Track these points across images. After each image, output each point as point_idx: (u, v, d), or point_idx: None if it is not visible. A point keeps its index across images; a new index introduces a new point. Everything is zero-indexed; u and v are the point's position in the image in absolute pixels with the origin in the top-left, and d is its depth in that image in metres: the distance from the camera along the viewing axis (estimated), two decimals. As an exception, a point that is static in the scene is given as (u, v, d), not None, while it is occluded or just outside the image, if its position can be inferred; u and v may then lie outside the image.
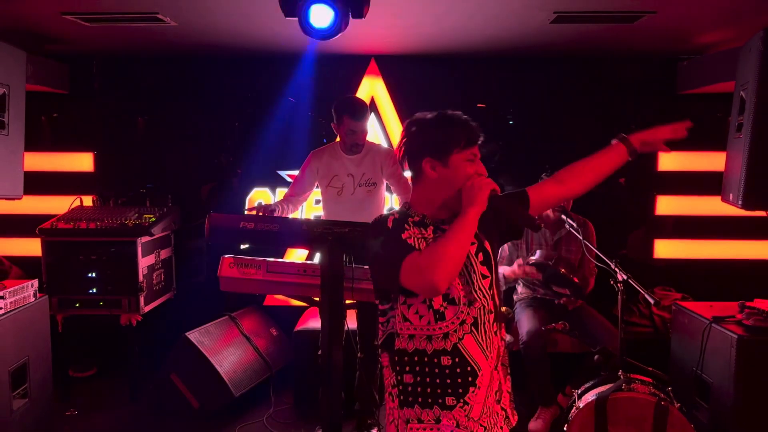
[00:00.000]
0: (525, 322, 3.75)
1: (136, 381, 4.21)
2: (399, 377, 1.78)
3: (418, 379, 1.75)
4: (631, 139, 2.01)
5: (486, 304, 1.78)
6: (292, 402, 4.15)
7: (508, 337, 3.78)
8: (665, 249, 4.79)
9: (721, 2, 3.30)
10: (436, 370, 1.74)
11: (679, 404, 2.86)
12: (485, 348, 1.76)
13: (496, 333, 1.81)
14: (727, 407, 3.01)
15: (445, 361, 1.73)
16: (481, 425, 1.75)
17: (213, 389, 3.84)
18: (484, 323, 1.77)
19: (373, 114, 4.75)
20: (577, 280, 3.57)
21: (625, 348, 3.10)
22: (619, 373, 2.98)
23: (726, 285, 4.45)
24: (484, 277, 1.80)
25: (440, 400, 1.73)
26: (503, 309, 3.14)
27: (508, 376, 1.89)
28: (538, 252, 3.68)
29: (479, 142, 1.81)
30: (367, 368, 3.62)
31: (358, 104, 3.57)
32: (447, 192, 1.80)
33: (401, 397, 1.78)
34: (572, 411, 2.99)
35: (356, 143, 3.56)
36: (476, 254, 1.81)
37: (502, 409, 1.83)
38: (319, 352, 3.25)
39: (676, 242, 4.78)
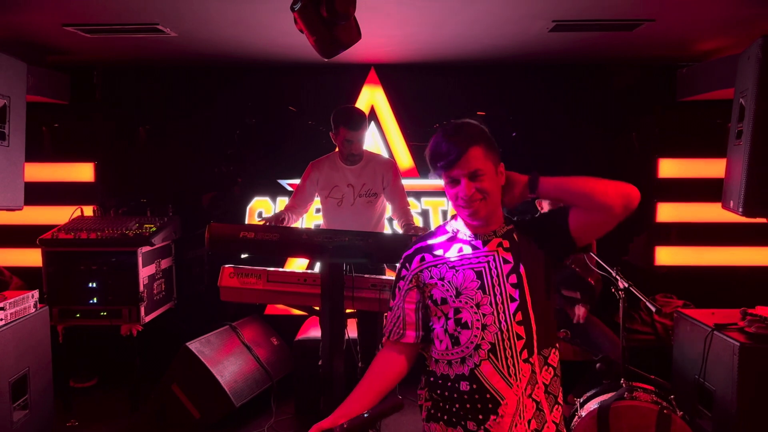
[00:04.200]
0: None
1: (137, 391, 4.20)
2: (429, 393, 1.80)
3: (442, 402, 1.76)
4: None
5: (507, 329, 1.69)
6: (294, 412, 4.13)
7: None
8: (666, 256, 4.78)
9: (719, 10, 3.32)
10: (455, 395, 1.72)
11: (681, 412, 2.84)
12: (508, 375, 1.68)
13: (526, 360, 1.69)
14: (730, 415, 2.99)
15: (464, 386, 1.70)
16: None
17: (214, 399, 3.82)
18: (506, 349, 1.68)
19: (373, 123, 4.76)
20: (592, 281, 3.55)
21: (627, 356, 3.10)
22: (622, 381, 2.97)
23: (728, 292, 4.45)
24: (512, 300, 1.71)
25: (463, 422, 1.71)
26: (561, 332, 3.12)
27: (558, 406, 1.78)
28: None
29: (455, 164, 1.68)
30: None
31: (355, 114, 3.55)
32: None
33: (431, 411, 1.80)
34: (575, 420, 2.98)
35: (352, 153, 3.56)
36: (508, 275, 1.73)
37: None
38: (320, 362, 3.24)
39: (677, 249, 4.77)
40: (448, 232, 1.84)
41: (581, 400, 3.07)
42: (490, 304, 1.70)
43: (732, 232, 4.56)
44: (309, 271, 3.59)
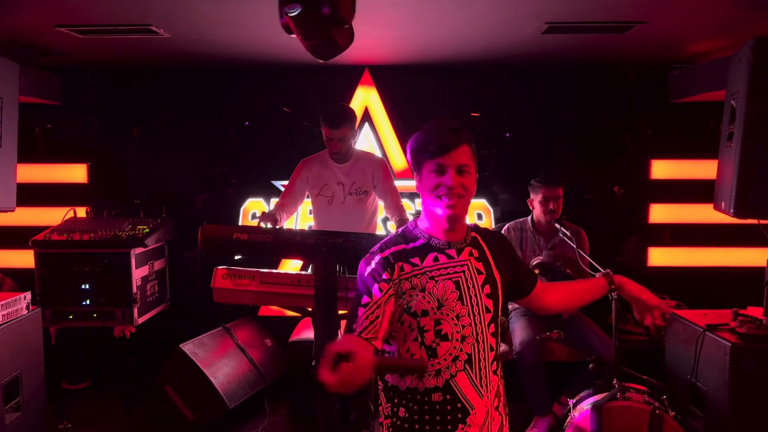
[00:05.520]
0: (519, 332, 3.75)
1: (131, 393, 4.18)
2: (393, 409, 1.76)
3: (408, 415, 1.73)
4: (615, 278, 2.03)
5: (483, 341, 1.71)
6: (287, 413, 4.13)
7: (503, 347, 3.78)
8: (659, 257, 4.80)
9: (711, 13, 3.33)
10: (426, 407, 1.71)
11: (674, 412, 2.86)
12: (480, 386, 1.70)
13: (495, 372, 1.74)
14: (722, 415, 3.01)
15: (436, 397, 1.70)
16: None
17: (207, 401, 3.82)
18: (480, 360, 1.70)
19: (367, 124, 4.77)
20: None
21: (620, 356, 3.10)
22: (614, 381, 2.98)
23: (719, 293, 4.46)
24: (487, 311, 1.73)
25: None
26: (554, 333, 3.15)
27: (507, 417, 1.83)
28: (544, 252, 3.70)
29: (447, 152, 1.68)
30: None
31: (334, 111, 3.51)
32: (424, 202, 1.78)
33: (391, 430, 1.77)
34: (567, 420, 2.99)
35: (333, 152, 3.56)
36: (482, 286, 1.74)
37: None
38: (314, 363, 3.24)
39: (669, 250, 4.79)
40: (419, 237, 1.78)
41: (574, 401, 3.08)
42: (468, 314, 1.70)
43: (724, 233, 4.58)
44: (302, 272, 3.59)
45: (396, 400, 1.76)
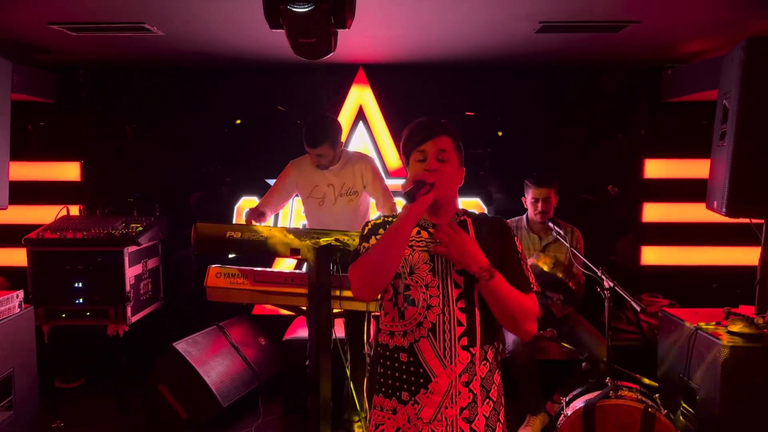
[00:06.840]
0: (513, 330, 3.76)
1: (124, 392, 4.17)
2: (378, 368, 1.91)
3: (383, 370, 1.87)
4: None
5: (449, 313, 1.79)
6: (281, 412, 4.13)
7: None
8: (652, 256, 4.82)
9: (704, 13, 3.35)
10: (396, 365, 1.84)
11: (666, 411, 2.87)
12: (443, 356, 1.78)
13: (465, 348, 1.79)
14: (713, 414, 3.02)
15: (403, 357, 1.82)
16: (431, 429, 1.78)
17: (201, 400, 3.81)
18: (445, 332, 1.79)
19: (361, 123, 4.77)
20: (573, 286, 3.58)
21: (613, 355, 3.12)
22: (607, 380, 2.99)
23: (712, 291, 4.48)
24: (456, 286, 1.82)
25: (398, 393, 1.83)
26: (547, 332, 3.15)
27: (489, 401, 1.83)
28: (535, 254, 3.71)
29: (428, 140, 1.84)
30: (355, 377, 3.61)
31: (312, 129, 3.50)
32: None
33: (376, 386, 1.91)
34: (560, 418, 3.00)
35: (314, 163, 3.58)
36: (453, 263, 1.82)
37: (472, 430, 1.79)
38: (308, 362, 3.24)
39: (662, 249, 4.81)
40: None
41: (567, 399, 3.10)
42: (438, 287, 1.81)
43: (717, 232, 4.60)
44: (296, 271, 3.59)
45: (377, 357, 1.92)
